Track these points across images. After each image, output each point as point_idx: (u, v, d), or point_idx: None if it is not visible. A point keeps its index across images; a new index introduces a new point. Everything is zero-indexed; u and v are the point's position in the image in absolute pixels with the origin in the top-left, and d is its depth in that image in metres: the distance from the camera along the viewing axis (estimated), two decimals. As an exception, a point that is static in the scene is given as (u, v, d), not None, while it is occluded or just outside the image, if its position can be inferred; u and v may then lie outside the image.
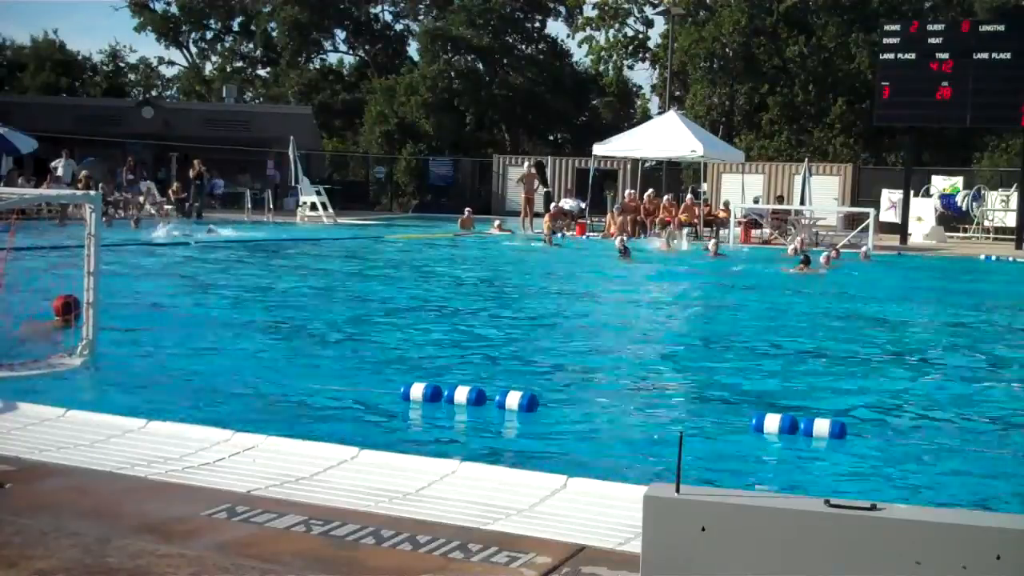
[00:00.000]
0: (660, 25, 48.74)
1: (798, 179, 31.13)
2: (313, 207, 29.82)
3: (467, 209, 29.03)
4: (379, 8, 55.38)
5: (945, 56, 25.20)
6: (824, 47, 43.02)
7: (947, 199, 31.19)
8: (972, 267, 21.36)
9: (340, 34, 55.74)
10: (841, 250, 21.80)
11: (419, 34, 51.24)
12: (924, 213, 29.28)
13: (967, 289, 17.17)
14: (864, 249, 22.01)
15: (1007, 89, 24.56)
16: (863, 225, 24.42)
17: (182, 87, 59.15)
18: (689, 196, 29.00)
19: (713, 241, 22.37)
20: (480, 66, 49.75)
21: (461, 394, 6.65)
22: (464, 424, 6.51)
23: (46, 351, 7.61)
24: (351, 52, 57.13)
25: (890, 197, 30.22)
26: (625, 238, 22.01)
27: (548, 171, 37.96)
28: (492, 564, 3.53)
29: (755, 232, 26.30)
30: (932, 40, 25.49)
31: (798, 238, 22.56)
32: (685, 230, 24.79)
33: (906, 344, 10.76)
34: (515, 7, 50.20)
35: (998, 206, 30.58)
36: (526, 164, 32.42)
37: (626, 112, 53.02)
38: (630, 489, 4.39)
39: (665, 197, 28.02)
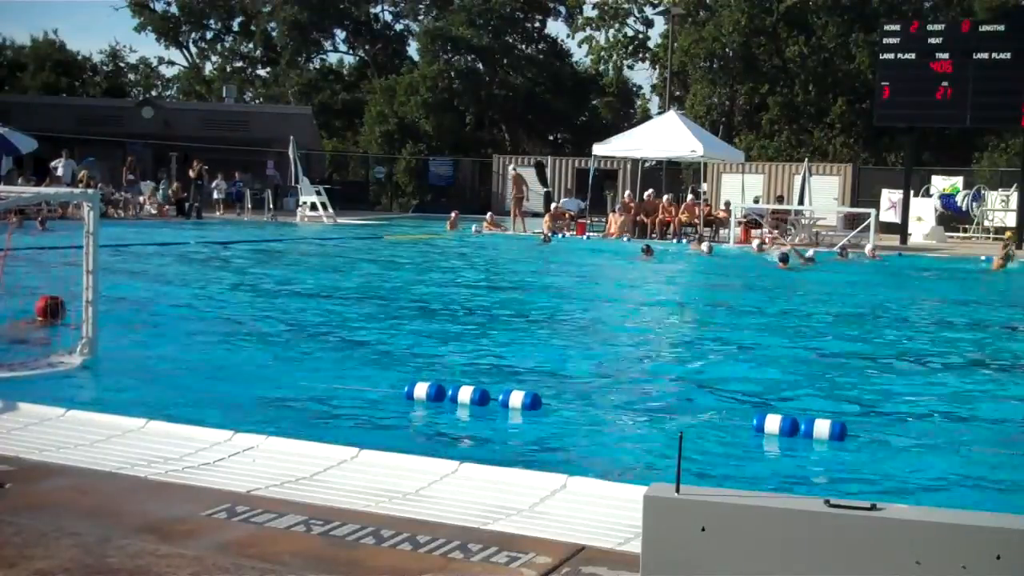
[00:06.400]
0: (660, 25, 48.87)
1: (798, 179, 31.14)
2: (313, 207, 29.83)
3: (454, 212, 29.39)
4: (379, 8, 55.49)
5: (945, 56, 25.20)
6: (824, 47, 43.04)
7: (947, 199, 31.18)
8: (971, 267, 21.34)
9: (340, 34, 55.85)
10: (849, 250, 21.90)
11: (419, 34, 51.28)
12: (924, 213, 29.28)
13: (967, 288, 17.16)
14: (869, 247, 22.06)
15: (1007, 89, 24.55)
16: (863, 225, 24.42)
17: (182, 87, 59.21)
18: (689, 196, 28.96)
19: (706, 243, 22.52)
20: (480, 66, 49.76)
21: (465, 393, 6.64)
22: (464, 424, 6.50)
23: (46, 351, 7.61)
24: (351, 52, 57.21)
25: (890, 197, 30.20)
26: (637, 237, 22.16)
27: (548, 171, 37.93)
28: (492, 564, 3.53)
29: (755, 232, 26.30)
30: (932, 40, 25.49)
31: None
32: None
33: (907, 344, 10.74)
34: (515, 7, 50.20)
35: (998, 206, 30.57)
36: (525, 165, 32.44)
37: (626, 112, 53.05)
38: (630, 489, 4.38)
39: (665, 197, 28.01)
